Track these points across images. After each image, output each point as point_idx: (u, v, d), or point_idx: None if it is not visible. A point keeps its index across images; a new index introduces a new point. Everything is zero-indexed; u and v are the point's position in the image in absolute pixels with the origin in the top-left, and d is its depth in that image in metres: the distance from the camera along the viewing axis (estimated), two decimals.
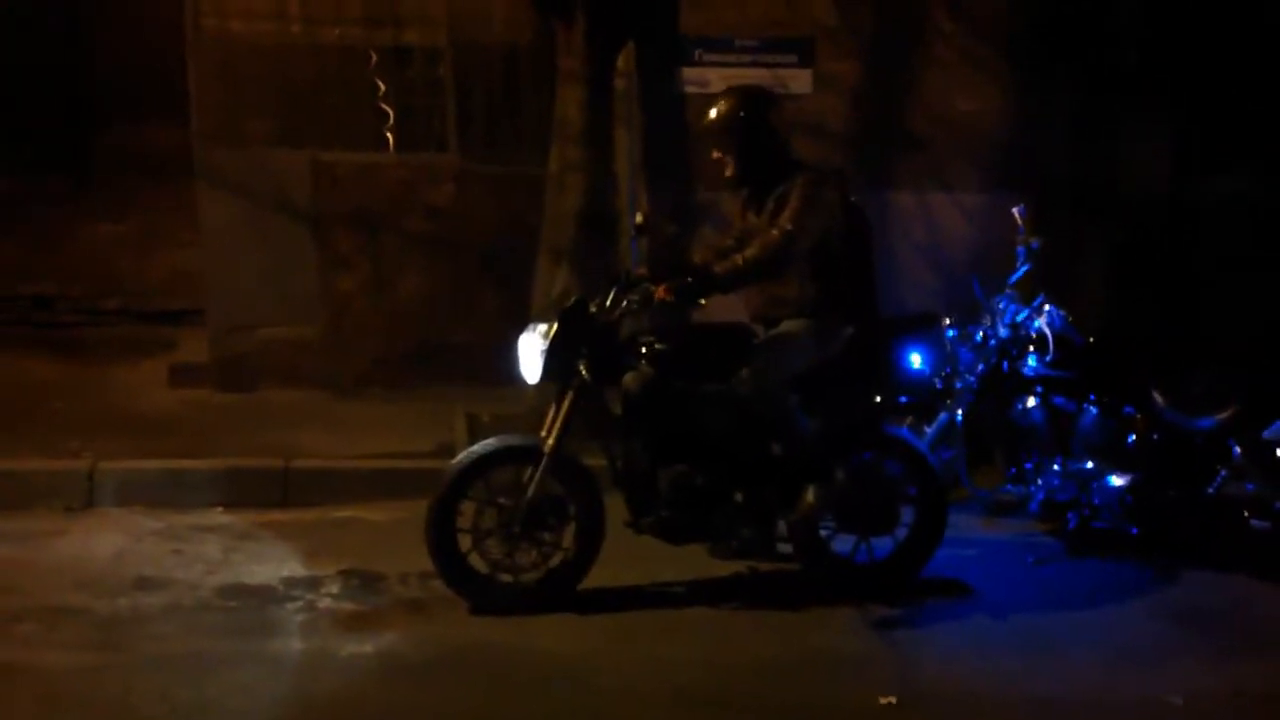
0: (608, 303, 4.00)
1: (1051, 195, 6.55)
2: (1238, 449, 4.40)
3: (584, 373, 3.95)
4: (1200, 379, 4.67)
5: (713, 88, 6.88)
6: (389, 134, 6.92)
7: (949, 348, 4.97)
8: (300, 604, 3.98)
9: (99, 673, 3.43)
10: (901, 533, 4.25)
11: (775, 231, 3.92)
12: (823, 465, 4.09)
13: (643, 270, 4.21)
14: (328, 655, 3.59)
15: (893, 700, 3.33)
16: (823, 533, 4.23)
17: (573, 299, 4.17)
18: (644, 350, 4.01)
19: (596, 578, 4.04)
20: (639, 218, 4.40)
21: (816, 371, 4.07)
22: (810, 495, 4.02)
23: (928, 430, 5.00)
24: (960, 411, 4.89)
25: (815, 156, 6.98)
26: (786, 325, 4.07)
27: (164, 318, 7.42)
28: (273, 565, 4.33)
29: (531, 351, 4.02)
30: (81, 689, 3.34)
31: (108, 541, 4.54)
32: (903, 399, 4.78)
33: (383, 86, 6.87)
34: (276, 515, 4.89)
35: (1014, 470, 4.79)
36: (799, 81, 7.04)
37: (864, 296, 4.16)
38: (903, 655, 3.74)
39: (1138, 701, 3.41)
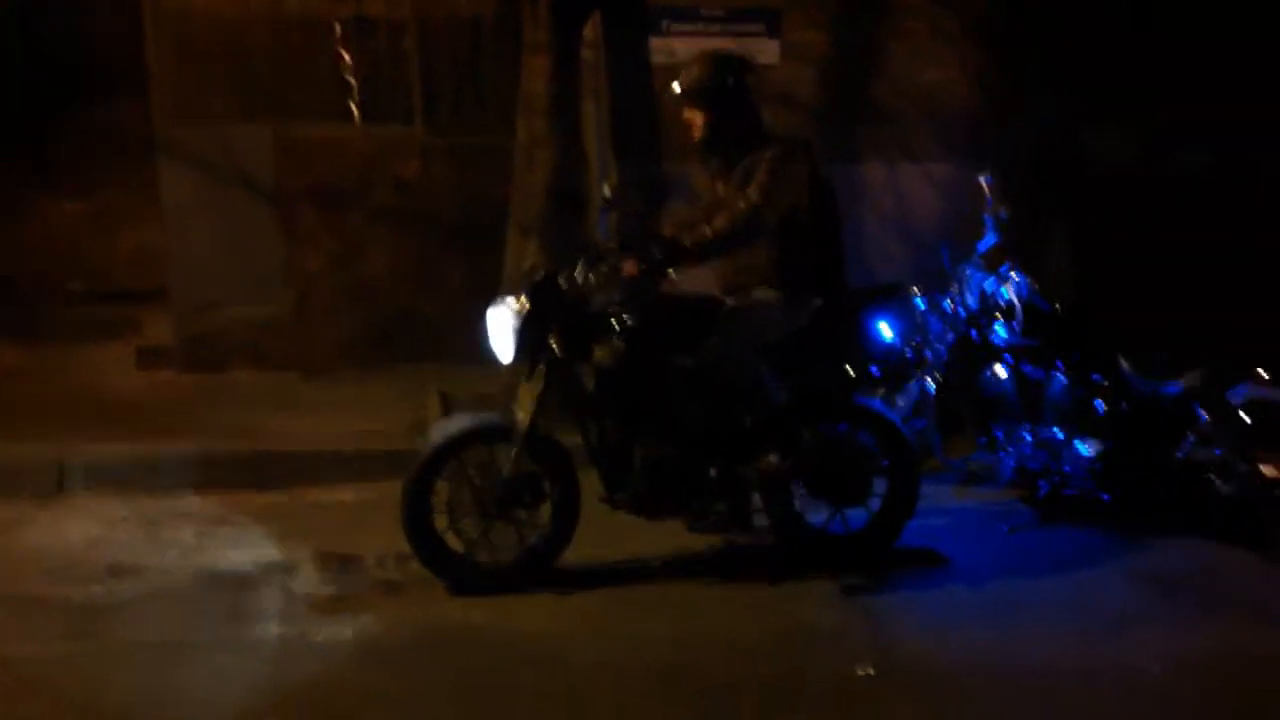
0: (577, 276, 3.98)
1: (1019, 166, 6.57)
2: (1204, 414, 4.45)
3: (555, 348, 3.93)
4: (1167, 345, 4.71)
5: (680, 58, 6.83)
6: (353, 107, 6.83)
7: (919, 318, 5.01)
8: (276, 588, 3.96)
9: (72, 661, 3.41)
10: (875, 503, 4.28)
11: (743, 203, 3.92)
12: (794, 433, 4.10)
13: (611, 243, 4.18)
14: (304, 639, 3.58)
15: (870, 671, 3.37)
16: (797, 505, 4.25)
17: (542, 273, 4.13)
18: (614, 324, 3.99)
19: (573, 555, 4.05)
20: (607, 190, 4.37)
21: (786, 342, 4.08)
22: (766, 461, 4.01)
23: (899, 401, 5.03)
24: (930, 381, 4.93)
25: (783, 127, 6.99)
26: (755, 295, 4.07)
27: (129, 298, 7.29)
28: (247, 549, 4.30)
29: (502, 327, 3.99)
30: (54, 678, 3.31)
31: (78, 528, 4.49)
32: (873, 369, 4.82)
33: (347, 59, 6.77)
34: (250, 498, 4.85)
35: (985, 439, 4.84)
36: (767, 52, 7.01)
37: (832, 268, 4.16)
38: (879, 626, 3.78)
39: (1113, 667, 3.45)
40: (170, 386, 6.30)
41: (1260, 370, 4.38)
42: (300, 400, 5.99)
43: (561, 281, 3.99)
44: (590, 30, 6.15)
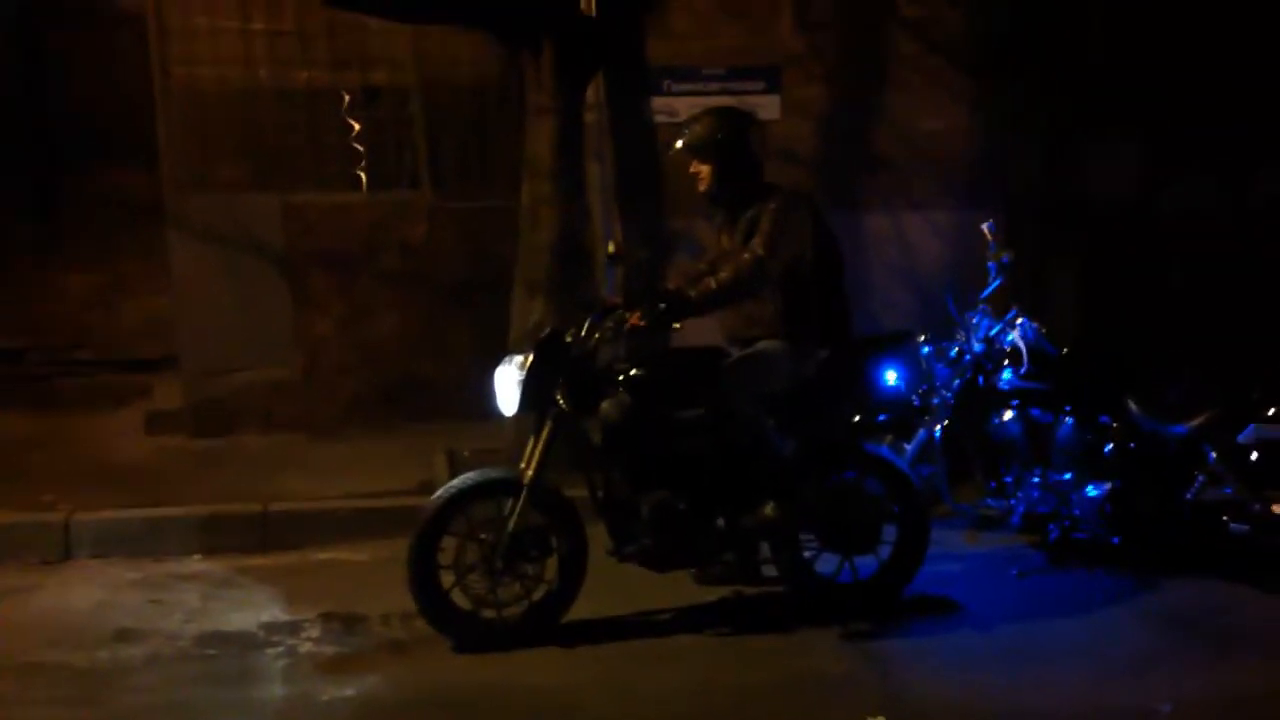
0: (583, 332, 4.00)
1: (1020, 210, 6.62)
2: (1213, 454, 4.41)
3: (562, 402, 3.94)
4: (1174, 386, 4.69)
5: (681, 117, 6.92)
6: (360, 174, 6.94)
7: (925, 364, 5.00)
8: (281, 649, 3.93)
9: None
10: (885, 551, 4.24)
11: (747, 255, 3.94)
12: (800, 484, 4.08)
13: (617, 299, 4.21)
14: (309, 700, 3.55)
15: (882, 719, 3.31)
16: (806, 554, 4.21)
17: (548, 329, 4.16)
18: (621, 378, 4.00)
19: (581, 609, 4.01)
20: (611, 247, 4.42)
21: (793, 392, 4.08)
22: (769, 510, 3.99)
23: (907, 448, 5.01)
24: (938, 427, 4.91)
25: (787, 180, 7.08)
26: (760, 346, 4.08)
27: (138, 366, 7.36)
28: (253, 611, 4.28)
29: (508, 383, 4.01)
30: None
31: (85, 594, 4.48)
32: (881, 417, 4.81)
33: (354, 127, 6.89)
34: (256, 560, 4.85)
35: (994, 484, 4.80)
36: (767, 108, 7.11)
37: (837, 317, 4.18)
38: (890, 674, 3.72)
39: (1126, 710, 3.41)
40: (179, 451, 6.32)
41: (1269, 409, 4.34)
42: (308, 461, 6.01)
43: (568, 337, 4.02)
44: (593, 92, 6.25)
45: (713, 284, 3.95)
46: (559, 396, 3.94)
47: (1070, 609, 4.18)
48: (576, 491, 4.12)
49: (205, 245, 6.74)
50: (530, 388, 3.94)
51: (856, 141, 7.17)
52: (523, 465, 3.94)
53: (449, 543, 3.92)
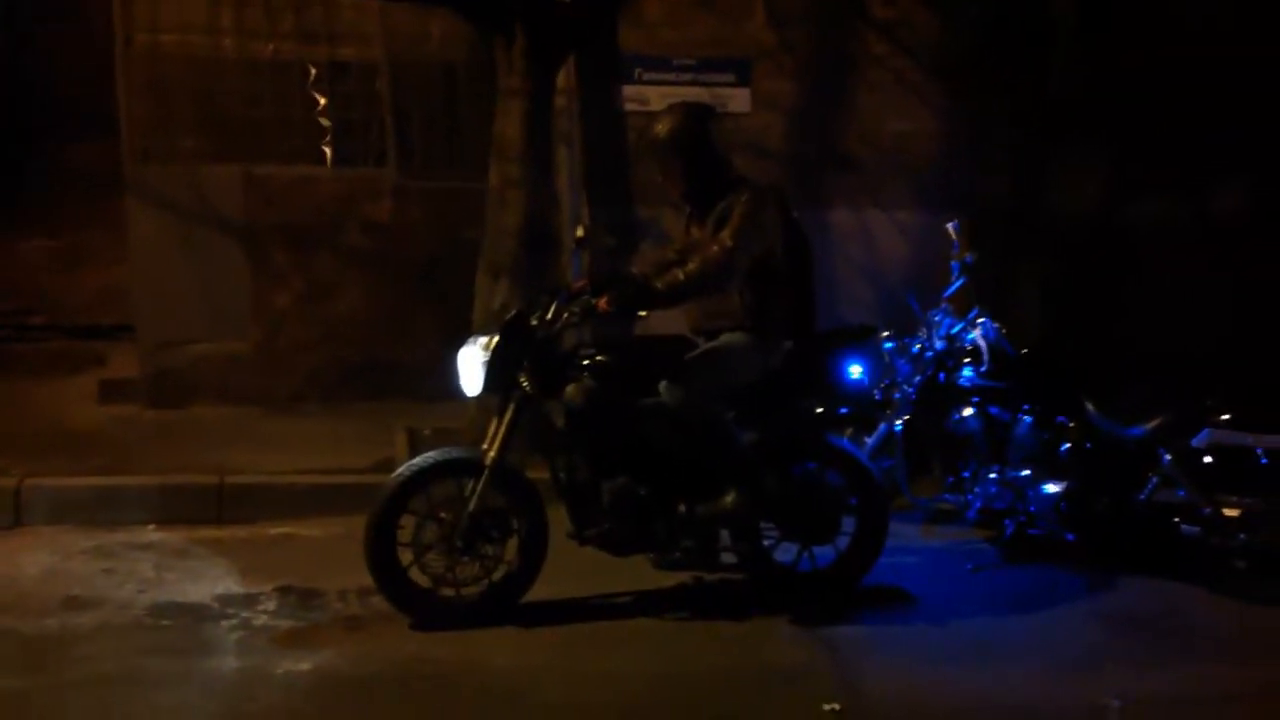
0: (549, 315, 3.99)
1: (985, 213, 6.69)
2: (1167, 456, 4.49)
3: (525, 384, 3.93)
4: (1131, 389, 4.77)
5: (652, 105, 6.96)
6: (326, 149, 6.86)
7: (887, 360, 5.05)
8: (235, 621, 3.88)
9: (28, 696, 3.31)
10: (843, 542, 4.28)
11: (716, 247, 3.95)
12: (755, 476, 4.10)
13: (583, 283, 4.21)
14: (264, 673, 3.50)
15: (836, 707, 3.34)
16: (766, 542, 4.24)
17: (513, 311, 4.14)
18: (585, 362, 4.00)
19: (540, 591, 4.01)
20: (580, 231, 4.41)
21: (757, 384, 4.10)
22: (729, 498, 4.01)
23: (868, 441, 5.06)
24: (899, 422, 4.96)
25: (754, 174, 7.11)
26: (725, 339, 4.10)
27: (94, 333, 7.24)
28: (207, 583, 4.22)
29: (472, 364, 3.99)
30: (6, 713, 3.21)
31: (36, 560, 4.40)
32: (843, 410, 4.84)
33: (320, 101, 6.81)
34: (211, 532, 4.79)
35: (952, 479, 4.86)
36: (737, 100, 7.14)
37: (803, 310, 4.20)
38: (846, 663, 3.76)
39: (1077, 704, 3.46)
40: (134, 420, 6.23)
41: (1223, 414, 4.44)
42: (264, 435, 5.94)
43: (533, 320, 4.00)
44: (564, 77, 6.24)
45: (680, 275, 3.95)
46: (523, 379, 3.93)
47: (1023, 604, 4.24)
48: (538, 473, 4.12)
49: (164, 215, 6.65)
50: (494, 369, 3.93)
51: (825, 138, 7.23)
52: (485, 446, 3.92)
53: (408, 521, 3.89)
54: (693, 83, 7.12)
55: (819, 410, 4.57)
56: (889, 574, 4.39)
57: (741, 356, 4.07)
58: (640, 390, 4.03)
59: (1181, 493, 4.47)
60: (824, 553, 4.27)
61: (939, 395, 4.91)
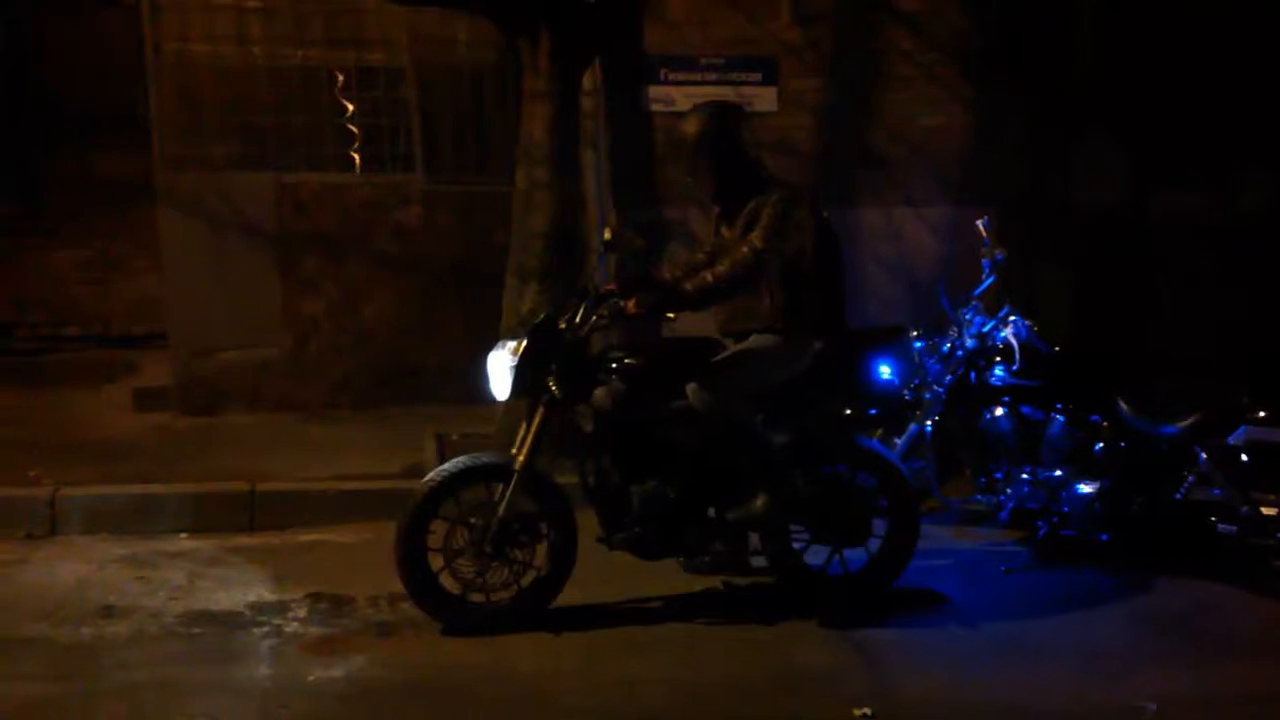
0: (577, 318, 3.98)
1: (1014, 209, 6.63)
2: (1203, 455, 4.43)
3: (554, 388, 3.92)
4: (1165, 386, 4.71)
5: (678, 106, 6.94)
6: (354, 155, 6.91)
7: (917, 359, 5.01)
8: (267, 629, 3.91)
9: (61, 703, 3.35)
10: (874, 544, 4.25)
11: (746, 249, 3.92)
12: (785, 479, 4.07)
13: (611, 286, 4.20)
14: (295, 680, 3.52)
15: (868, 712, 3.31)
16: (796, 545, 4.22)
17: (542, 315, 4.14)
18: (614, 366, 3.99)
19: (569, 596, 4.00)
20: (607, 233, 4.40)
21: (787, 385, 4.07)
22: (759, 502, 3.98)
23: (898, 442, 5.02)
24: (929, 422, 4.92)
25: (782, 173, 7.08)
26: (754, 340, 4.07)
27: (126, 342, 7.33)
28: (239, 590, 4.25)
29: (501, 368, 3.99)
30: None
31: (70, 569, 4.46)
32: (872, 411, 4.81)
33: (349, 107, 6.86)
34: (243, 540, 4.83)
35: (983, 480, 4.81)
36: (763, 99, 7.10)
37: (834, 311, 4.16)
38: (877, 667, 3.73)
39: (1111, 707, 3.41)
40: (167, 428, 6.30)
41: (1259, 411, 4.36)
42: (296, 442, 5.98)
43: (561, 324, 3.99)
44: (589, 79, 6.23)
45: (710, 277, 3.92)
46: (551, 383, 3.92)
47: (1057, 606, 4.20)
48: (567, 478, 4.11)
49: (196, 223, 6.71)
50: (523, 373, 3.92)
51: (852, 136, 7.17)
52: (514, 451, 3.92)
53: (438, 526, 3.90)
54: (719, 82, 7.09)
55: (849, 411, 4.56)
56: (921, 576, 4.35)
57: (771, 358, 4.05)
58: (669, 393, 4.01)
59: (1218, 491, 4.41)
60: (855, 556, 4.24)
61: (970, 395, 4.86)
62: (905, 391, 5.05)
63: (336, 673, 3.57)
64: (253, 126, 6.78)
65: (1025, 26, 7.03)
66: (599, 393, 3.96)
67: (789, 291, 4.02)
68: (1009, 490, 4.73)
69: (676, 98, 7.03)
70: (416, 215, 6.95)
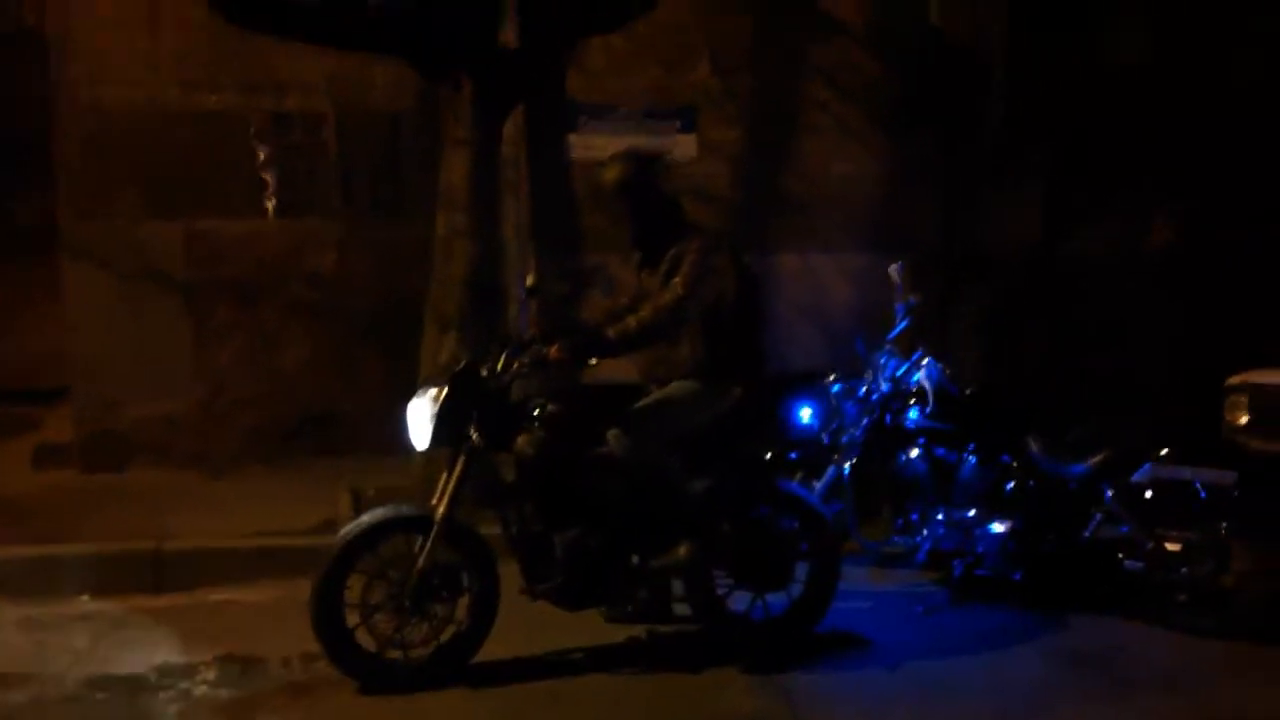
0: (499, 365, 3.96)
1: (927, 255, 6.79)
2: (1110, 493, 4.55)
3: (475, 437, 3.88)
4: (1073, 427, 4.83)
5: (599, 153, 6.98)
6: (268, 201, 6.80)
7: (834, 403, 5.07)
8: (173, 693, 3.77)
9: None
10: (796, 589, 4.26)
11: (669, 295, 3.94)
12: (708, 525, 4.08)
13: (533, 332, 4.18)
14: None
15: None
16: (720, 591, 4.21)
17: (463, 362, 4.10)
18: (536, 413, 3.97)
19: (490, 649, 3.94)
20: (530, 279, 4.39)
21: (707, 430, 4.08)
22: (683, 550, 3.99)
23: (816, 485, 5.06)
24: (847, 465, 4.96)
25: (700, 220, 7.16)
26: (675, 387, 4.09)
27: (26, 397, 7.05)
28: (144, 653, 4.10)
29: (421, 417, 3.93)
30: None
31: None
32: (793, 455, 4.86)
33: (261, 154, 6.76)
34: (148, 601, 4.65)
35: (900, 521, 4.87)
36: (683, 147, 7.20)
37: (754, 356, 4.20)
38: (802, 711, 3.73)
39: None
40: (69, 486, 6.06)
41: (1162, 450, 4.50)
42: (205, 498, 5.81)
43: (483, 371, 3.96)
44: (511, 126, 6.24)
45: (633, 323, 3.94)
46: (473, 430, 3.88)
47: (974, 645, 4.25)
48: (489, 529, 4.06)
49: (103, 273, 6.53)
50: (444, 421, 3.88)
51: (769, 183, 7.30)
52: (434, 501, 3.86)
53: (356, 581, 3.80)
54: (638, 130, 7.18)
55: (769, 455, 4.60)
56: (842, 619, 4.38)
57: (691, 404, 4.06)
58: (591, 440, 4.00)
59: (1124, 528, 4.53)
60: (777, 600, 4.24)
61: (886, 437, 4.93)
62: (823, 435, 5.11)
63: None
64: (163, 174, 6.63)
65: (937, 73, 7.26)
66: (521, 440, 3.94)
67: (709, 337, 4.05)
68: (925, 531, 4.80)
69: (597, 145, 7.09)
70: (333, 262, 6.85)
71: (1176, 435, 4.56)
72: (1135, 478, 4.50)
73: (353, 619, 3.79)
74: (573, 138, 7.01)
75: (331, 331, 6.79)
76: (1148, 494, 4.49)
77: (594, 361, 3.97)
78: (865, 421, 4.97)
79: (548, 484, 3.94)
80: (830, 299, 7.20)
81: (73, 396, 6.50)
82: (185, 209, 6.64)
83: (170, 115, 6.63)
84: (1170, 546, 4.42)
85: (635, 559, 4.07)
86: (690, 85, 7.20)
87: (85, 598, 4.68)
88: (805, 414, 4.33)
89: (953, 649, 4.22)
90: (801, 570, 4.26)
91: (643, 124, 7.21)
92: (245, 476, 6.21)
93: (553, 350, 3.88)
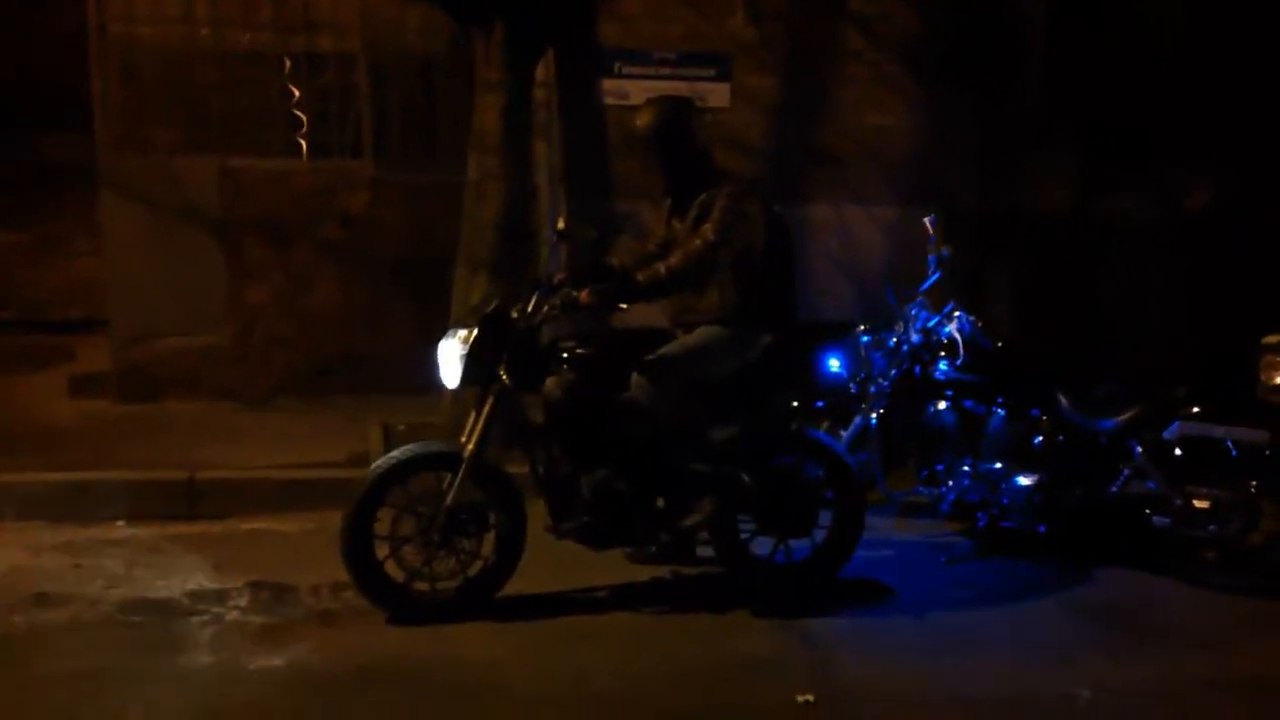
0: (529, 308, 3.97)
1: (960, 208, 6.73)
2: (1139, 449, 4.53)
3: (505, 377, 3.91)
4: (1103, 383, 4.80)
5: (631, 100, 6.94)
6: (301, 141, 6.81)
7: (863, 353, 5.07)
8: (207, 617, 3.85)
9: None
10: (820, 535, 4.28)
11: (699, 241, 3.93)
12: (731, 474, 4.08)
13: (563, 276, 4.19)
14: (236, 668, 3.48)
15: (810, 698, 3.35)
16: (743, 535, 4.24)
17: (494, 304, 4.11)
18: (565, 355, 3.98)
19: (516, 585, 3.99)
20: (560, 224, 4.39)
21: (736, 377, 4.09)
22: (706, 504, 4.01)
23: (844, 434, 5.07)
24: (874, 415, 4.97)
25: (732, 168, 7.12)
26: (701, 332, 4.07)
27: (63, 327, 7.17)
28: (178, 579, 4.18)
29: (451, 356, 3.96)
30: None
31: (4, 557, 4.35)
32: (819, 404, 4.86)
33: (296, 93, 6.76)
34: (182, 528, 4.74)
35: (926, 472, 4.88)
36: (717, 95, 7.14)
37: (783, 305, 4.18)
38: (821, 655, 3.76)
39: (1048, 695, 3.48)
40: (104, 415, 6.17)
41: (1193, 407, 4.47)
42: (237, 431, 5.89)
43: (513, 312, 3.98)
44: (543, 69, 6.21)
45: (662, 269, 3.93)
46: (502, 371, 3.91)
47: (996, 597, 4.27)
48: (517, 468, 4.09)
49: (138, 207, 6.59)
50: (474, 362, 3.90)
51: (803, 133, 7.23)
52: (463, 439, 3.90)
53: (385, 514, 3.86)
54: (672, 77, 7.11)
55: (796, 404, 4.60)
56: (864, 567, 4.40)
57: (717, 350, 4.06)
58: (620, 384, 4.01)
59: (1152, 485, 4.51)
60: (800, 546, 4.27)
61: (914, 388, 4.92)
62: (852, 385, 5.11)
63: (279, 661, 3.53)
64: (198, 110, 6.67)
65: (975, 30, 7.14)
66: (549, 382, 3.95)
67: (738, 284, 4.04)
68: (950, 482, 4.80)
69: (630, 91, 7.04)
70: (364, 203, 6.88)
71: (1207, 393, 4.53)
72: (1165, 434, 4.47)
73: (382, 551, 3.85)
74: (606, 83, 6.95)
75: (362, 273, 6.83)
76: (1177, 451, 4.46)
77: (624, 306, 3.97)
78: (894, 372, 4.96)
79: (575, 426, 3.96)
80: (862, 249, 7.15)
81: (110, 328, 6.58)
82: (219, 146, 6.68)
83: (204, 54, 6.66)
84: (1199, 504, 4.40)
85: (660, 502, 4.09)
86: (725, 32, 7.12)
87: (120, 523, 4.78)
88: (834, 364, 4.32)
89: (975, 599, 4.24)
90: (825, 518, 4.28)
91: (677, 70, 7.14)
92: (277, 411, 6.29)
93: (583, 294, 3.89)
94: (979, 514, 4.76)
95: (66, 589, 4.05)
